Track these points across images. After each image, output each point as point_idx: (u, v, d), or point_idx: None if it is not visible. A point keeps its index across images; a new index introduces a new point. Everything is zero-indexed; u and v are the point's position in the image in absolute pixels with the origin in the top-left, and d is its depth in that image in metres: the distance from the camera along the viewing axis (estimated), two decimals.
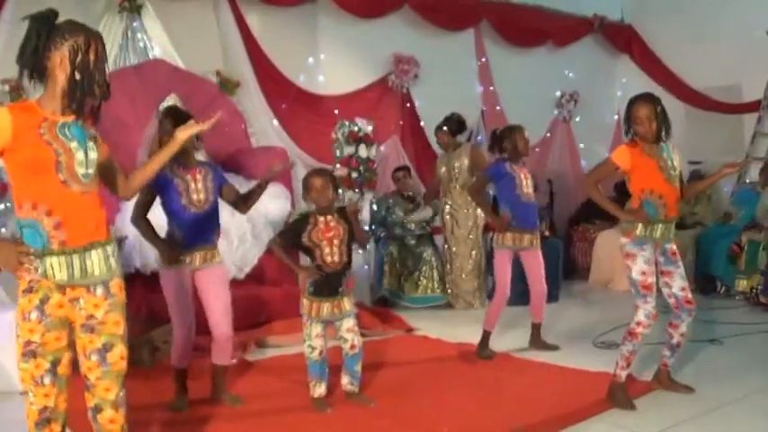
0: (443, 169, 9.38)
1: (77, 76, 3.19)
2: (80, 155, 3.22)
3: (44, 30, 3.18)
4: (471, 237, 9.33)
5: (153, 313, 6.72)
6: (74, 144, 3.21)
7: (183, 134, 3.56)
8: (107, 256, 3.31)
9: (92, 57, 3.22)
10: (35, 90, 3.32)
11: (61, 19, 3.26)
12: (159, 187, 5.10)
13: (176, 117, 5.11)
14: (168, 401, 5.47)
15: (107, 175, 3.48)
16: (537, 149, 11.81)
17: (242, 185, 7.18)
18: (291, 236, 5.42)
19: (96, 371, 3.27)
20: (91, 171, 3.26)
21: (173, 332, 5.39)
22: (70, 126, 3.24)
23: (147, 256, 6.74)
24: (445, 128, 9.27)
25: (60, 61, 3.19)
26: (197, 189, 5.17)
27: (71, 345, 3.30)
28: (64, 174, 3.17)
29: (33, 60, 3.19)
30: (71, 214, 3.19)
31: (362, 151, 9.27)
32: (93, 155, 3.27)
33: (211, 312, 5.28)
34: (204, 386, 5.59)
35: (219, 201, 5.38)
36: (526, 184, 6.83)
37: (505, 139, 6.89)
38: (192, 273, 5.24)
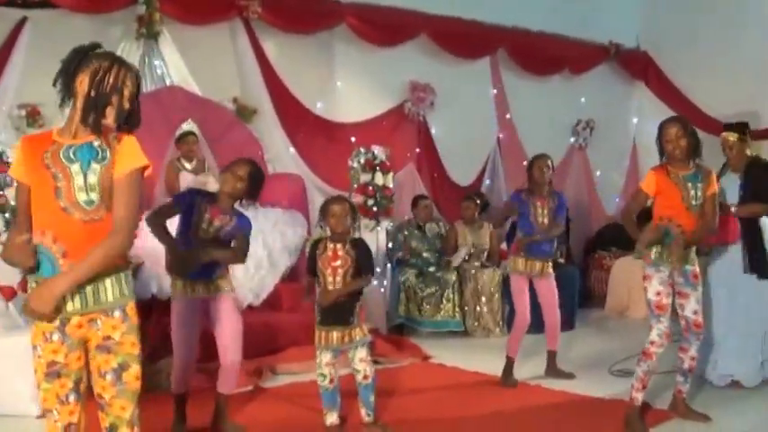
0: None
1: (92, 94, 3.16)
2: (80, 179, 3.15)
3: (80, 56, 3.23)
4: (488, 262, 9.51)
5: (169, 338, 6.71)
6: (75, 167, 3.16)
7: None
8: (120, 282, 3.27)
9: (111, 80, 3.18)
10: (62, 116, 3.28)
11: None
12: (184, 206, 5.16)
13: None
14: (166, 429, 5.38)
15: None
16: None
17: (257, 213, 7.23)
18: (311, 261, 5.41)
19: (111, 390, 3.25)
20: (94, 197, 3.17)
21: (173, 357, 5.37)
22: (79, 148, 3.19)
23: (164, 283, 6.75)
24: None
25: (81, 81, 3.19)
26: (208, 230, 5.11)
27: (86, 364, 3.30)
28: (63, 200, 3.13)
29: (64, 81, 3.21)
30: (75, 243, 3.13)
31: (379, 179, 9.29)
32: (93, 178, 3.17)
33: (219, 340, 5.27)
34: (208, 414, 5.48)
35: None
36: (541, 214, 6.85)
37: (529, 169, 6.97)
38: (202, 302, 5.24)
